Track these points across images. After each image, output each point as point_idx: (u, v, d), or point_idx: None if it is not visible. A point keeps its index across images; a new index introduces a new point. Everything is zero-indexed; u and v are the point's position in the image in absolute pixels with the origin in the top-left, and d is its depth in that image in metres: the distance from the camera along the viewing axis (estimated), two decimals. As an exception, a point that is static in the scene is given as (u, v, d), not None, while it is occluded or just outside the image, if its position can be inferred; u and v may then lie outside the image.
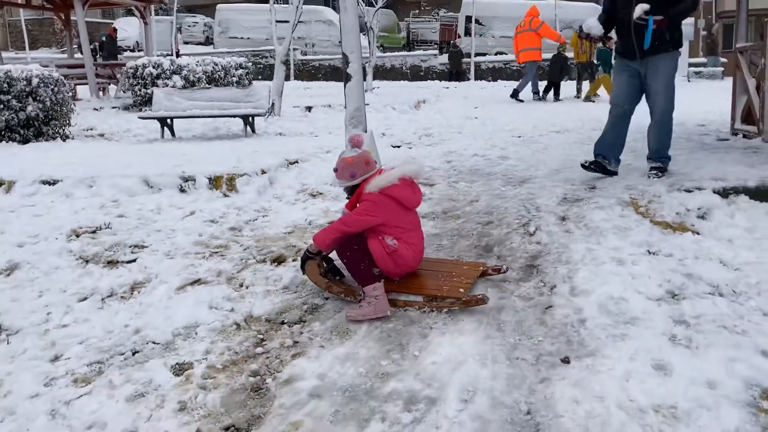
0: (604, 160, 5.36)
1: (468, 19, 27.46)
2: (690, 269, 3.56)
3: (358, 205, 3.44)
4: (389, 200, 3.37)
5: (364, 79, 6.13)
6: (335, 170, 3.52)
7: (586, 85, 14.52)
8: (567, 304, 3.28)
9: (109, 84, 16.50)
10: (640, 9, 4.77)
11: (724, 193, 4.58)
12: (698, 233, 4.09)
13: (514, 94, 14.10)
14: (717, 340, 2.87)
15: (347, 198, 3.66)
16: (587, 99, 13.98)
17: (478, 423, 2.44)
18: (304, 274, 3.59)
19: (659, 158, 5.31)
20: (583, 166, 5.39)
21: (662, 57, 5.02)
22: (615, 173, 5.41)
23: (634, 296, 3.28)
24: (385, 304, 3.26)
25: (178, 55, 19.67)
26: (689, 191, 4.64)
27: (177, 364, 2.98)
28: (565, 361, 2.82)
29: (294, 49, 23.96)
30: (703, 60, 24.89)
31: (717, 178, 4.86)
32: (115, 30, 20.98)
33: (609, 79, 13.37)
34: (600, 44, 12.94)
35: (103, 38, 19.62)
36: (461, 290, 3.32)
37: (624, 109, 5.29)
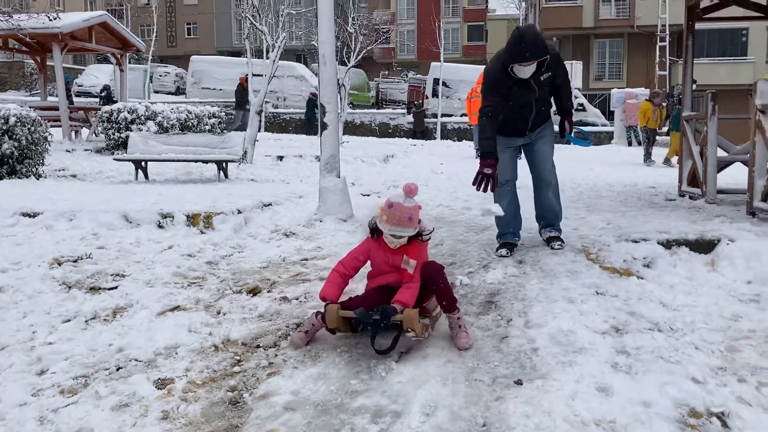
0: (514, 237, 5.16)
1: (435, 81, 28.52)
2: (633, 308, 3.91)
3: (411, 262, 3.48)
4: None
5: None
6: (410, 218, 3.39)
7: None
8: (521, 335, 3.58)
9: (82, 127, 16.67)
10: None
11: (668, 245, 4.99)
12: (642, 278, 4.46)
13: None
14: (654, 367, 3.19)
15: (395, 245, 3.48)
16: (667, 162, 14.41)
17: (438, 433, 2.69)
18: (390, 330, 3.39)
19: (557, 226, 5.18)
20: (504, 255, 4.98)
21: (546, 125, 5.07)
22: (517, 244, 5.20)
23: (582, 330, 3.60)
24: None
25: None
26: (636, 242, 5.03)
27: (159, 379, 3.18)
28: (518, 382, 3.10)
29: (266, 102, 24.52)
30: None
31: (662, 231, 5.29)
32: (246, 79, 21.08)
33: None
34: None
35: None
36: None
37: (513, 183, 5.15)
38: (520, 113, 4.91)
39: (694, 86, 11.63)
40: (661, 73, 33.15)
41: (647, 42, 34.95)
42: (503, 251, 5.01)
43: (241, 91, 20.11)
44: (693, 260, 4.81)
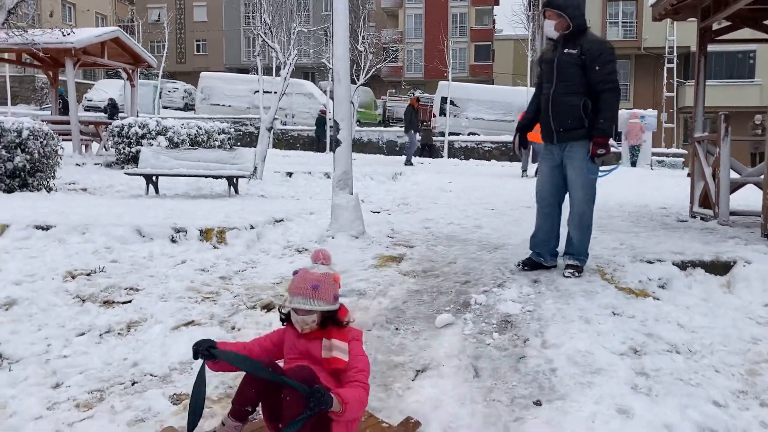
0: (539, 257, 5.02)
1: (443, 100, 28.61)
2: (651, 329, 3.88)
3: (338, 344, 2.57)
4: None
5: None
6: (314, 287, 2.54)
7: None
8: (539, 355, 3.55)
9: (92, 141, 16.76)
10: None
11: (683, 266, 4.96)
12: (658, 299, 4.43)
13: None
14: (673, 390, 3.16)
15: (302, 328, 2.59)
16: None
17: (458, 453, 2.66)
18: None
19: (577, 255, 4.88)
20: (518, 266, 5.01)
21: (580, 144, 4.69)
22: (553, 267, 5.04)
23: (599, 350, 3.57)
24: None
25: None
26: (651, 262, 5.01)
27: (174, 394, 3.16)
28: (537, 403, 3.08)
29: (275, 119, 24.65)
30: (665, 150, 26.13)
31: (676, 252, 5.27)
32: (417, 100, 21.12)
33: None
34: None
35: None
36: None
37: (549, 202, 4.96)
38: (544, 102, 4.85)
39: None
40: (668, 95, 33.21)
41: (654, 63, 35.06)
42: (518, 264, 5.06)
43: (411, 112, 19.70)
44: (709, 282, 4.78)
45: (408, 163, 18.68)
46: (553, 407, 3.01)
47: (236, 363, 2.51)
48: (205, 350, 2.49)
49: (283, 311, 2.74)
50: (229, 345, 2.70)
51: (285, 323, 2.72)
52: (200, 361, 2.54)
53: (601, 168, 4.83)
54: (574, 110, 4.68)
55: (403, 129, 22.81)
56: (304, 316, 2.57)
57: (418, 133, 20.04)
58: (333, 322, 2.62)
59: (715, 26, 7.83)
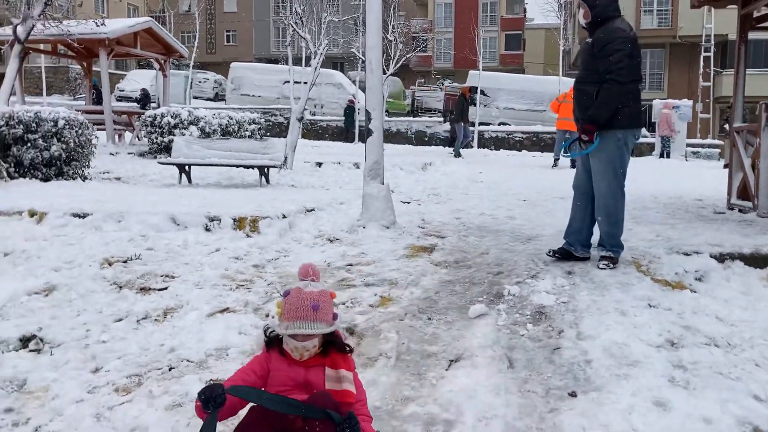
0: (570, 246, 4.98)
1: (473, 89, 28.43)
2: (688, 322, 3.82)
3: (345, 375, 2.39)
4: None
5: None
6: (315, 308, 2.31)
7: None
8: (574, 347, 3.52)
9: (125, 131, 17.01)
10: None
11: (721, 258, 4.87)
12: (695, 292, 4.36)
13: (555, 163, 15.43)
14: (712, 383, 3.11)
15: (302, 355, 2.34)
16: None
17: (493, 443, 2.65)
18: None
19: (610, 246, 4.82)
20: (549, 253, 5.02)
21: (601, 134, 4.65)
22: (587, 258, 4.97)
23: (635, 343, 3.53)
24: None
25: None
26: (687, 254, 4.92)
27: (211, 380, 3.19)
28: (573, 394, 3.05)
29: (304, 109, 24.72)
30: (701, 141, 25.62)
31: (714, 244, 5.17)
32: (470, 89, 20.69)
33: None
34: None
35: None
36: None
37: (583, 192, 4.95)
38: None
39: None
40: (704, 84, 32.52)
41: (689, 52, 34.38)
42: (550, 252, 5.04)
43: (463, 102, 18.85)
44: (748, 275, 4.69)
45: (457, 154, 18.10)
46: (589, 399, 2.98)
47: (262, 401, 2.24)
48: (221, 396, 2.15)
49: (269, 333, 2.45)
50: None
51: (269, 348, 2.43)
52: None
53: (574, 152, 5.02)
54: (590, 99, 4.71)
55: (441, 120, 22.31)
56: (304, 342, 2.32)
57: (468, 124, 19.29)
58: (335, 346, 2.41)
59: (755, 13, 7.64)
